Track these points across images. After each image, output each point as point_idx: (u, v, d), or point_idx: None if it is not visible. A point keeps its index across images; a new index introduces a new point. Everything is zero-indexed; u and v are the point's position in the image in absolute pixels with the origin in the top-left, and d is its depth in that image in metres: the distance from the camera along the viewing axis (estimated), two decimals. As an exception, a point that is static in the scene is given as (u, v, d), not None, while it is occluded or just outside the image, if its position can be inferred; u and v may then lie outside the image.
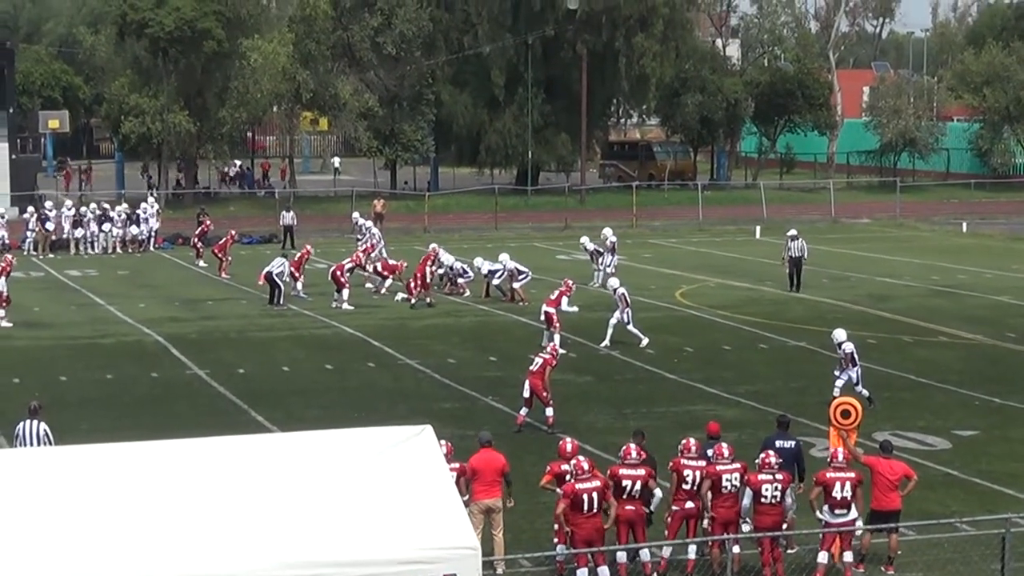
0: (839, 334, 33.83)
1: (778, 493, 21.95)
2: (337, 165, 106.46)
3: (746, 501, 22.33)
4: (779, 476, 22.05)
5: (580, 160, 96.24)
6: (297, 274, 51.23)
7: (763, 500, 21.94)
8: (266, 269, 50.26)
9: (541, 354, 32.54)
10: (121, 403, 34.56)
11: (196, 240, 63.12)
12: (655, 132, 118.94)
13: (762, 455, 22.42)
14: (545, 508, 23.02)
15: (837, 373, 33.56)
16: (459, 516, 14.75)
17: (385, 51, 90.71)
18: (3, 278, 46.02)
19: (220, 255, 57.86)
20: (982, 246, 69.08)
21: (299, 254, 53.38)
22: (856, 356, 33.23)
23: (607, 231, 55.15)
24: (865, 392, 32.70)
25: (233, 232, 61.37)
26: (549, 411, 31.21)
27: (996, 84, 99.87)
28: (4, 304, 45.77)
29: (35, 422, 24.70)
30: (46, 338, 43.97)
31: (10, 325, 45.17)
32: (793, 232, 53.53)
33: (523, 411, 31.36)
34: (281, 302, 49.48)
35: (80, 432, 28.49)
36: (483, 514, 22.31)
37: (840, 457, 22.41)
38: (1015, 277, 56.84)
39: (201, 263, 60.69)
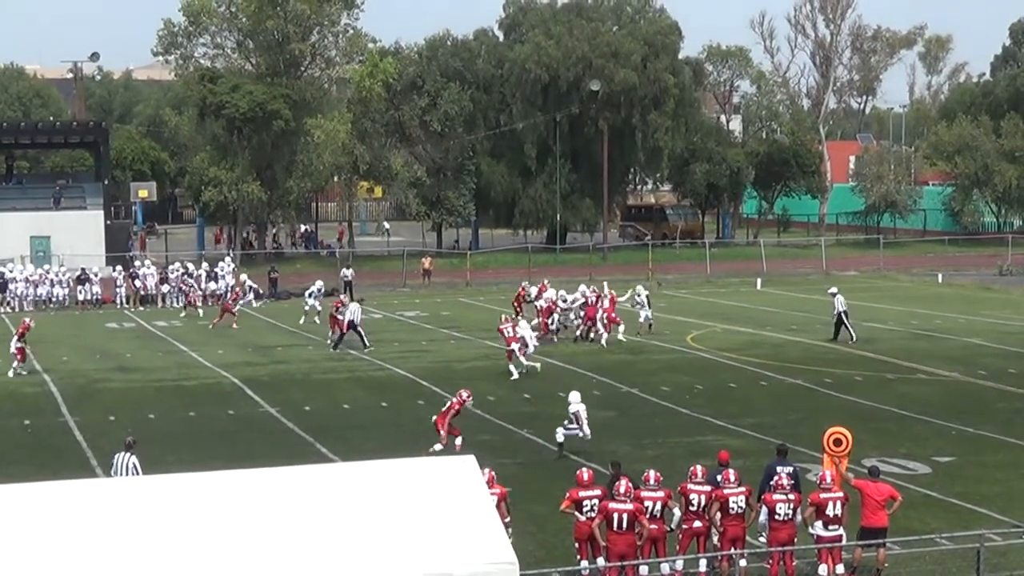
0: (572, 396, 32.32)
1: (791, 511, 21.94)
2: (387, 227, 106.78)
3: (762, 518, 22.30)
4: (791, 496, 22.06)
5: (602, 221, 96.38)
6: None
7: (777, 517, 21.90)
8: (347, 318, 50.41)
9: (452, 398, 32.60)
10: (202, 437, 34.57)
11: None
12: (668, 197, 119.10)
13: (776, 478, 22.44)
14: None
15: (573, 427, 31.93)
16: (499, 535, 14.71)
17: (432, 128, 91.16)
18: (15, 339, 44.91)
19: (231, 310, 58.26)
20: (956, 295, 68.81)
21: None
22: (581, 416, 31.69)
23: (640, 288, 55.02)
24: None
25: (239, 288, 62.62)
26: (450, 443, 31.18)
27: (966, 153, 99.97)
28: (19, 358, 44.73)
29: (127, 455, 24.74)
30: (137, 381, 44.05)
31: (24, 373, 44.38)
32: (833, 289, 53.16)
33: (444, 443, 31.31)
34: (367, 344, 49.52)
35: (166, 463, 28.57)
36: None
37: (828, 479, 22.36)
38: (985, 322, 56.62)
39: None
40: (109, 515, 14.15)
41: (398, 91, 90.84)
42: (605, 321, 50.71)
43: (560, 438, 31.51)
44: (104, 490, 15.52)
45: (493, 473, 21.95)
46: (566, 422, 31.69)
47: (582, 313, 51.83)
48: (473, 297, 68.26)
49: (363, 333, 50.03)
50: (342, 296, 55.27)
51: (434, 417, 32.11)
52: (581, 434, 31.52)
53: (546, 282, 56.65)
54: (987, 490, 28.20)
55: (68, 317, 61.53)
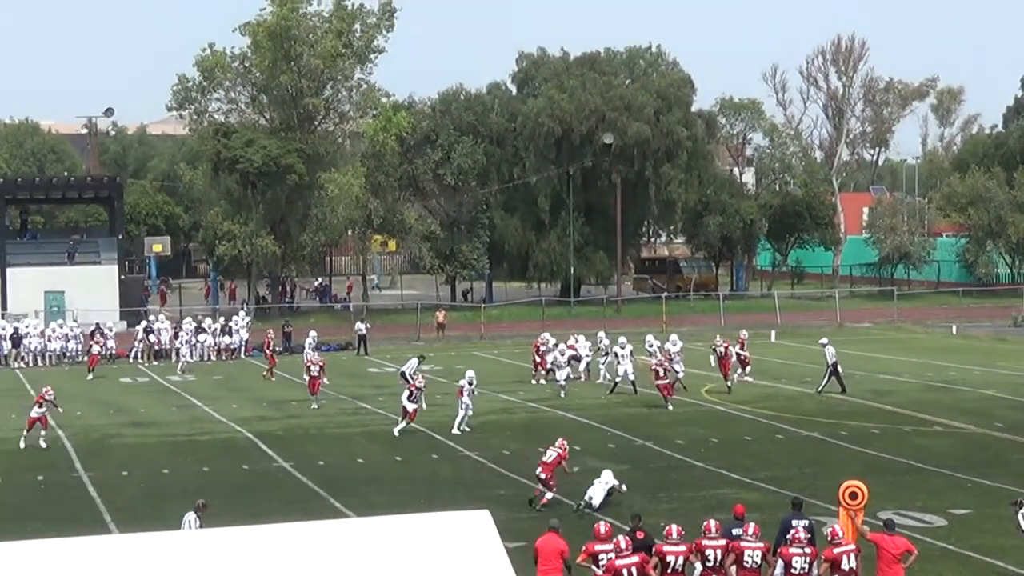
0: (604, 474, 32.15)
1: (807, 565, 21.88)
2: (375, 281, 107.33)
3: (778, 571, 22.21)
4: (808, 550, 22.03)
5: (616, 274, 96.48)
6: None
7: (793, 571, 21.85)
8: (402, 368, 51.20)
9: (552, 448, 32.46)
10: (216, 492, 34.44)
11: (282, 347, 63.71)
12: (681, 249, 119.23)
13: (792, 531, 22.41)
14: (591, 582, 22.85)
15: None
16: (514, 592, 14.65)
17: (445, 182, 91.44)
18: (35, 407, 42.33)
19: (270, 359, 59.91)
20: (970, 346, 68.67)
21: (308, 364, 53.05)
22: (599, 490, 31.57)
23: (622, 340, 54.65)
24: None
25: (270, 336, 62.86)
26: (549, 495, 31.29)
27: (979, 204, 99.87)
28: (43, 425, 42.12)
29: (192, 514, 25.09)
30: (151, 436, 44.05)
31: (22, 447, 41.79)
32: (823, 340, 53.15)
33: (545, 492, 31.38)
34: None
35: (181, 519, 28.46)
36: None
37: (839, 533, 22.34)
38: (1000, 373, 56.48)
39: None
40: (121, 573, 14.11)
41: (412, 145, 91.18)
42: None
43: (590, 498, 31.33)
44: (117, 547, 15.47)
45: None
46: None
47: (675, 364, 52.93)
48: (487, 351, 68.25)
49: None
50: (312, 354, 55.13)
51: (540, 470, 31.85)
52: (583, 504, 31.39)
53: (575, 334, 57.09)
54: (1004, 543, 28.00)
55: (82, 372, 61.54)
